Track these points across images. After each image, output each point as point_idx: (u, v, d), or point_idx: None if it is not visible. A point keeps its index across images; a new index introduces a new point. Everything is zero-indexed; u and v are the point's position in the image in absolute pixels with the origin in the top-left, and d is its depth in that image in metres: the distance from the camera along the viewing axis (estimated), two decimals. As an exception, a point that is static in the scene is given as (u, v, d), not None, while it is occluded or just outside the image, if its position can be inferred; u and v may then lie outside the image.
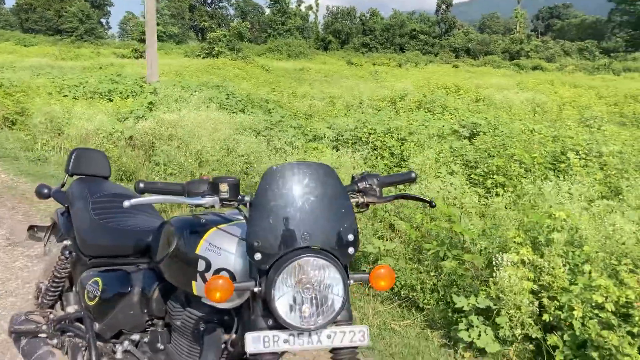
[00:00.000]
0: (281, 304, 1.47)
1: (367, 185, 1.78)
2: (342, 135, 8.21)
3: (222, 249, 1.67)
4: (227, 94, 11.87)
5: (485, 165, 6.67)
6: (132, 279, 2.02)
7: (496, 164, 6.39)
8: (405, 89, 14.38)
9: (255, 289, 1.51)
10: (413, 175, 1.91)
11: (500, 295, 3.35)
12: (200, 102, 10.01)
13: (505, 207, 5.28)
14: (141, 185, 1.65)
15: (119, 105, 10.44)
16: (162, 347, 1.95)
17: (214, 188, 1.62)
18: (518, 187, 6.04)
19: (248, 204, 1.65)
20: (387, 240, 4.49)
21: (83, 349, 2.17)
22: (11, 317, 2.45)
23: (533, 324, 3.25)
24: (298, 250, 1.49)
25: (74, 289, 2.44)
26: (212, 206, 1.63)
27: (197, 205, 1.62)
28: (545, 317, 3.19)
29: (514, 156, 6.76)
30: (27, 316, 2.38)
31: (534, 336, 3.24)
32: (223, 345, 1.76)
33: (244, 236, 1.65)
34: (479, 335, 3.29)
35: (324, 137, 8.42)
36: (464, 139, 8.67)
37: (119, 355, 1.96)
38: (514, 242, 3.54)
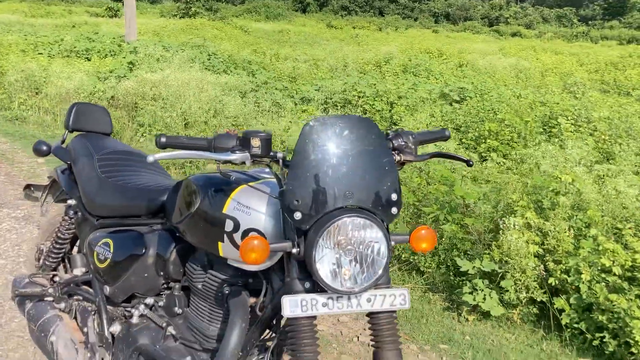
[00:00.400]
0: (322, 266, 1.39)
1: (403, 143, 1.68)
2: (330, 98, 8.08)
3: (252, 208, 1.57)
4: (209, 55, 11.58)
5: (477, 129, 6.64)
6: (147, 241, 1.91)
7: (488, 129, 6.35)
8: (390, 53, 14.20)
9: (293, 250, 1.42)
10: (447, 133, 1.82)
11: (506, 259, 3.33)
12: (183, 62, 9.73)
13: (501, 172, 5.27)
14: (163, 139, 1.54)
15: (98, 65, 10.11)
16: (179, 311, 1.86)
17: (244, 143, 1.51)
18: (511, 152, 6.02)
19: (280, 161, 1.55)
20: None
21: (92, 312, 2.07)
22: (13, 280, 2.32)
23: (538, 287, 3.24)
24: (339, 209, 1.40)
25: (79, 250, 2.33)
26: (243, 163, 1.53)
27: (226, 162, 1.51)
28: (551, 280, 3.18)
29: (505, 121, 6.73)
30: (31, 279, 2.26)
31: (538, 299, 3.23)
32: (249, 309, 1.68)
33: (275, 194, 1.56)
34: (484, 298, 3.27)
35: (312, 99, 8.28)
36: (454, 103, 8.61)
37: (135, 320, 1.86)
38: (519, 205, 3.51)
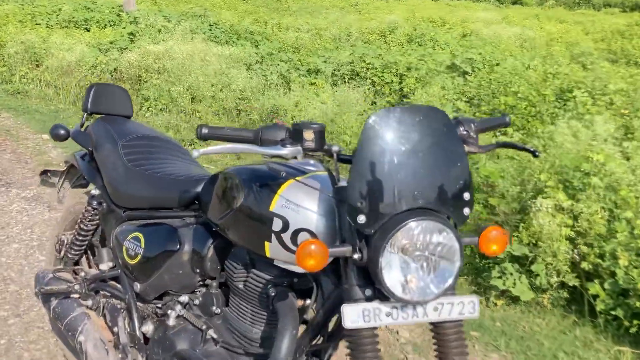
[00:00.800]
0: (388, 273, 1.27)
1: (465, 132, 1.55)
2: (338, 70, 7.88)
3: (302, 206, 1.44)
4: (210, 25, 11.30)
5: (491, 103, 6.48)
6: (181, 235, 1.80)
7: (504, 102, 6.19)
8: (394, 22, 13.90)
9: (355, 256, 1.30)
10: (507, 119, 1.68)
11: (536, 242, 3.23)
12: (185, 33, 9.49)
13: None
14: (204, 130, 1.42)
15: (98, 36, 9.85)
16: (218, 310, 1.75)
17: (295, 136, 1.38)
18: (527, 126, 5.88)
19: (335, 155, 1.42)
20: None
21: (122, 311, 1.96)
22: (36, 275, 2.21)
23: (570, 271, 3.15)
24: (407, 212, 1.27)
25: (102, 242, 2.21)
26: (294, 157, 1.41)
27: (275, 156, 1.39)
28: (584, 265, 3.08)
29: (518, 94, 6.57)
30: (55, 274, 2.14)
31: (570, 284, 3.14)
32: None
33: (327, 191, 1.44)
34: (514, 283, 3.17)
35: (319, 71, 8.08)
36: (463, 74, 8.41)
37: (171, 321, 1.75)
38: (548, 186, 3.39)
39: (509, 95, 6.44)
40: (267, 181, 1.53)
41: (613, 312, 2.93)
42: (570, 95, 6.67)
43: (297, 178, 1.49)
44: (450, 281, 1.31)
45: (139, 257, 1.85)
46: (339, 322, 1.56)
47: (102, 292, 2.06)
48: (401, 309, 1.32)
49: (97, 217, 2.14)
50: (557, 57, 12.95)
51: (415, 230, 1.27)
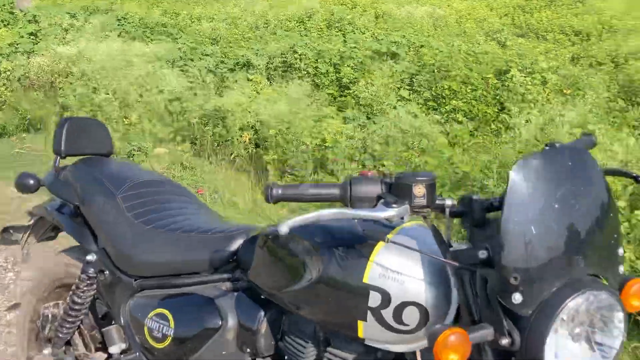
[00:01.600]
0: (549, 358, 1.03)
1: None
2: (271, 63, 7.51)
3: (405, 274, 1.17)
4: (119, 19, 10.51)
5: (434, 89, 6.39)
6: (222, 307, 1.47)
7: (448, 87, 6.13)
8: (311, 8, 13.61)
9: (503, 342, 1.04)
10: (593, 138, 1.48)
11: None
12: (96, 31, 8.73)
13: (476, 138, 5.08)
14: (277, 191, 1.13)
15: (-7, 38, 8.85)
16: None
17: (400, 191, 1.12)
18: (473, 110, 5.84)
19: (447, 210, 1.16)
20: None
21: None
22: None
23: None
24: (569, 282, 1.04)
25: (101, 314, 1.82)
26: (401, 218, 1.13)
27: (377, 219, 1.12)
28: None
29: (457, 77, 6.53)
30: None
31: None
32: None
33: (428, 249, 1.17)
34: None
35: (250, 65, 7.67)
36: (392, 58, 8.31)
37: None
38: None
39: (451, 79, 6.37)
40: (352, 244, 1.25)
41: None
42: (508, 76, 6.71)
43: (388, 237, 1.21)
44: (615, 356, 1.09)
45: (169, 339, 1.51)
46: None
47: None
48: None
49: (94, 286, 1.74)
50: (472, 35, 13.25)
51: (582, 306, 1.03)
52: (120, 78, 6.41)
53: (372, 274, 1.19)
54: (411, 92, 6.57)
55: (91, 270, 1.69)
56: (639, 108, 5.75)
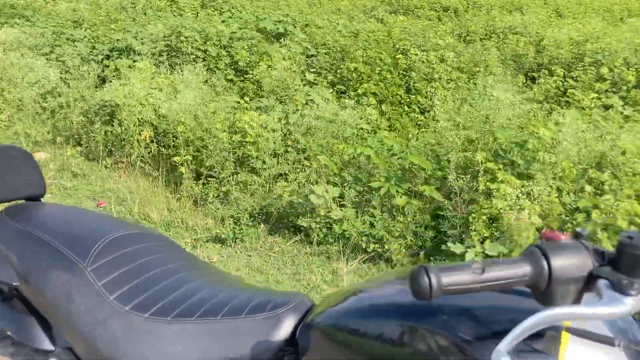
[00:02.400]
0: None
1: None
2: (154, 47, 6.77)
3: None
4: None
5: (339, 72, 6.09)
6: None
7: (353, 69, 5.85)
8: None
9: None
10: None
11: (498, 235, 2.94)
12: None
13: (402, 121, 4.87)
14: (436, 280, 0.76)
15: None
16: None
17: (628, 264, 0.75)
18: (385, 92, 5.63)
19: None
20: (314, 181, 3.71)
21: None
22: None
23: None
24: None
25: None
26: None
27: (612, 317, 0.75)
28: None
29: (358, 58, 6.29)
30: None
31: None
32: None
33: (621, 338, 0.82)
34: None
35: (128, 51, 6.86)
36: (277, 39, 7.90)
37: None
38: (491, 168, 3.11)
39: (354, 61, 6.10)
40: (534, 338, 0.86)
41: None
42: (409, 55, 6.58)
43: (566, 325, 0.85)
44: None
45: None
46: None
47: None
48: None
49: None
50: (347, 12, 13.20)
51: None
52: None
53: None
54: (316, 75, 6.22)
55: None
56: (537, 83, 5.86)
